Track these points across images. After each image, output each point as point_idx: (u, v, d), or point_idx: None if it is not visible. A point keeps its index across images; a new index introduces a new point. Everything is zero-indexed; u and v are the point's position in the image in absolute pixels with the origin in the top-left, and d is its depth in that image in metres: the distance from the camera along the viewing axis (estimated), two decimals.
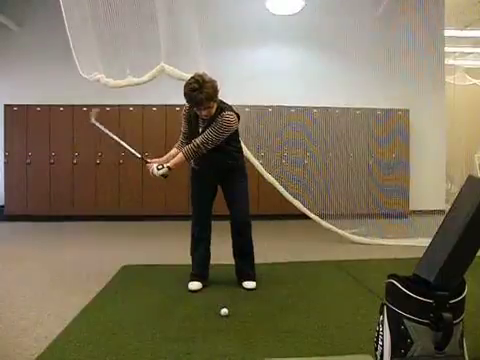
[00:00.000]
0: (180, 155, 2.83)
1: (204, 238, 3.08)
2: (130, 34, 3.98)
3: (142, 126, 6.25)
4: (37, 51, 6.42)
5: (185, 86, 2.73)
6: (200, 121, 2.89)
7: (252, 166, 4.44)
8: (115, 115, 6.24)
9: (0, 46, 6.49)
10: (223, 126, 2.77)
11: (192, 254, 3.12)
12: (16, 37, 6.49)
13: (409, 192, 6.63)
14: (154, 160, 2.93)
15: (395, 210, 5.85)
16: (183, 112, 3.01)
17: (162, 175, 2.82)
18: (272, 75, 6.38)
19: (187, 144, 2.87)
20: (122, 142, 3.03)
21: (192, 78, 2.74)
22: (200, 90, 2.66)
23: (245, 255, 3.07)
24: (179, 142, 3.08)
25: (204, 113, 2.78)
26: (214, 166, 2.97)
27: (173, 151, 3.02)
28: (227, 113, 2.79)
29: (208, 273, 3.09)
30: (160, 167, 2.81)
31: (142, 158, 2.95)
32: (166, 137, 6.12)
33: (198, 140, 2.79)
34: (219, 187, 3.09)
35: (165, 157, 2.98)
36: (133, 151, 3.00)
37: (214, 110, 2.80)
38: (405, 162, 6.57)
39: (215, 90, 2.74)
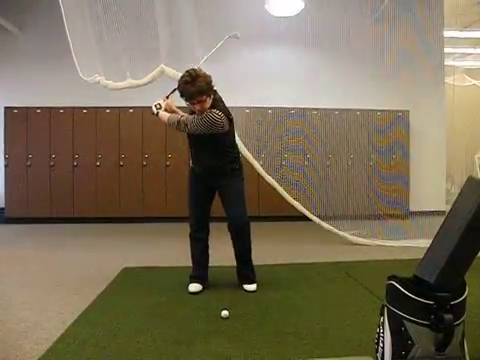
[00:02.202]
0: (167, 115, 2.92)
1: (201, 239, 3.07)
2: (130, 36, 3.99)
3: (142, 127, 6.26)
4: (38, 54, 6.44)
5: (179, 80, 2.76)
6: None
7: (252, 167, 4.44)
8: (115, 117, 6.25)
9: (1, 49, 6.52)
10: (204, 119, 2.74)
11: (192, 256, 3.12)
12: (17, 40, 6.51)
13: (409, 193, 6.63)
14: (169, 101, 3.03)
15: (395, 211, 5.85)
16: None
17: (152, 110, 2.98)
18: (272, 76, 6.38)
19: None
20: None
21: (186, 72, 2.77)
22: (192, 83, 2.67)
23: (244, 257, 3.07)
24: None
25: (197, 107, 2.77)
26: (208, 169, 2.97)
27: (181, 114, 3.01)
28: (215, 111, 2.76)
29: (207, 275, 3.08)
30: (158, 107, 2.97)
31: (170, 93, 3.05)
32: (166, 138, 6.14)
33: (184, 117, 2.85)
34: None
35: (175, 110, 3.05)
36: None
37: (208, 106, 2.78)
38: (405, 163, 6.58)
39: (208, 85, 2.74)
